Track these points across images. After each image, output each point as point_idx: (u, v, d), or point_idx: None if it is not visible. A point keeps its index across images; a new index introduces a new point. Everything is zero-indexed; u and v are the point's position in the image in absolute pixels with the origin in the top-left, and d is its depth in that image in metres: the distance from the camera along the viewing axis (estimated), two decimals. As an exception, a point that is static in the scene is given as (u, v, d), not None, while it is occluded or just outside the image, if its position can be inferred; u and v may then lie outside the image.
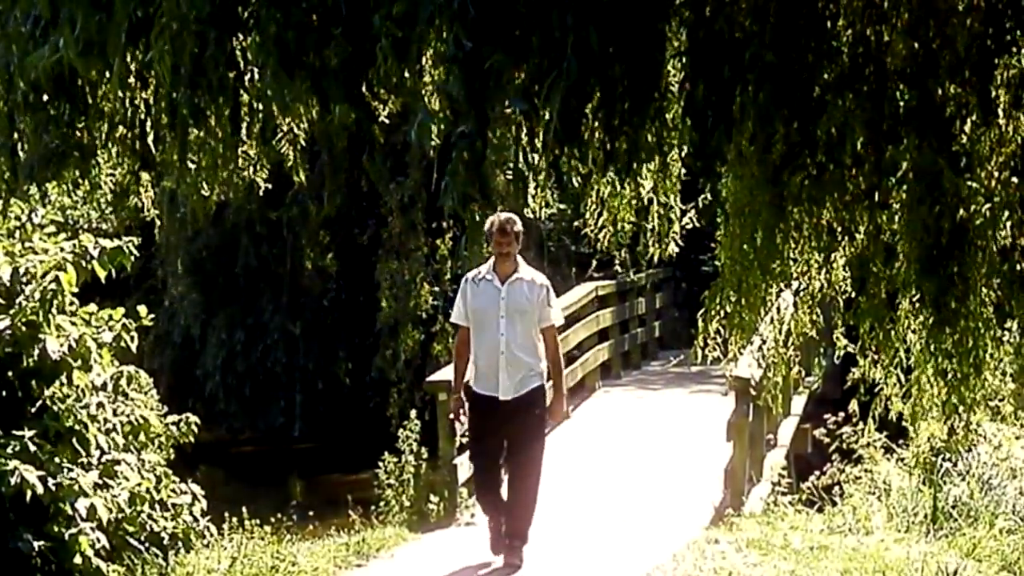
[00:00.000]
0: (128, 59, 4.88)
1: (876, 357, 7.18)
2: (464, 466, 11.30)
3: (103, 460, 8.53)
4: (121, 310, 8.98)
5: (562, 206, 18.62)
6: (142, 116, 5.24)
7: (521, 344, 8.98)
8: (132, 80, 5.08)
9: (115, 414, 8.82)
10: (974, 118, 5.85)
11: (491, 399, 9.00)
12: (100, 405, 8.63)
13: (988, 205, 5.99)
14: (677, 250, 9.02)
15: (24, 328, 8.24)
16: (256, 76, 4.88)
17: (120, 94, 5.06)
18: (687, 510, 10.95)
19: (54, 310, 8.28)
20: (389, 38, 4.27)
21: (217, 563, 8.79)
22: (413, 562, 9.53)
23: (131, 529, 8.53)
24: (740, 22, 5.22)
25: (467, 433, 9.64)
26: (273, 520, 10.22)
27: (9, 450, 7.85)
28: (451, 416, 9.59)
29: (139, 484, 8.56)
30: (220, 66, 4.69)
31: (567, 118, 4.24)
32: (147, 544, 8.59)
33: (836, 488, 11.45)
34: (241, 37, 4.73)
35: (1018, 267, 6.16)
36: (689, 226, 8.67)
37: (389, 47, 4.27)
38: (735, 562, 9.02)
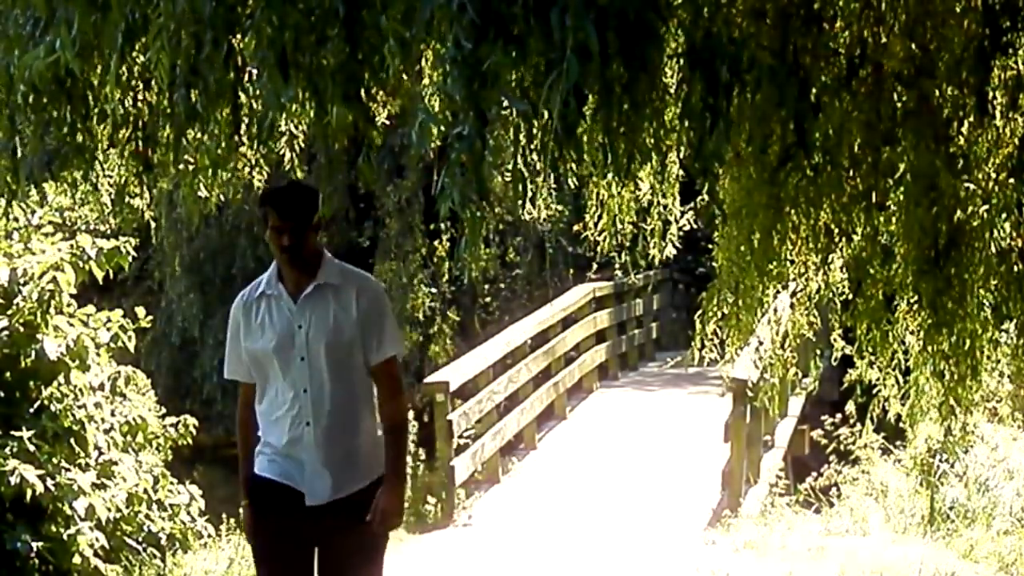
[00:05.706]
0: (126, 60, 4.89)
1: (873, 359, 7.17)
2: (462, 467, 11.33)
3: (101, 460, 8.54)
4: (119, 311, 8.99)
5: (560, 208, 18.66)
6: (146, 118, 5.23)
7: (342, 404, 5.21)
8: (133, 81, 5.08)
9: (113, 414, 8.83)
10: (971, 119, 5.85)
11: (291, 496, 5.22)
12: (98, 405, 8.64)
13: (985, 207, 5.99)
14: (675, 252, 9.00)
15: (22, 329, 8.25)
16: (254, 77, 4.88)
17: (119, 95, 5.06)
18: (684, 511, 10.96)
19: (52, 311, 8.29)
20: (388, 39, 4.27)
21: (215, 564, 8.79)
22: (410, 563, 9.53)
23: (129, 529, 8.54)
24: (738, 23, 5.23)
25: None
26: (271, 521, 10.21)
27: (7, 450, 7.86)
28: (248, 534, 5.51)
29: (137, 484, 8.57)
30: (217, 67, 4.69)
31: (566, 119, 4.24)
32: (144, 544, 8.60)
33: (833, 489, 11.45)
34: (239, 37, 4.73)
35: (1016, 269, 6.16)
36: (687, 228, 8.67)
37: (389, 47, 4.28)
38: (732, 563, 9.03)
